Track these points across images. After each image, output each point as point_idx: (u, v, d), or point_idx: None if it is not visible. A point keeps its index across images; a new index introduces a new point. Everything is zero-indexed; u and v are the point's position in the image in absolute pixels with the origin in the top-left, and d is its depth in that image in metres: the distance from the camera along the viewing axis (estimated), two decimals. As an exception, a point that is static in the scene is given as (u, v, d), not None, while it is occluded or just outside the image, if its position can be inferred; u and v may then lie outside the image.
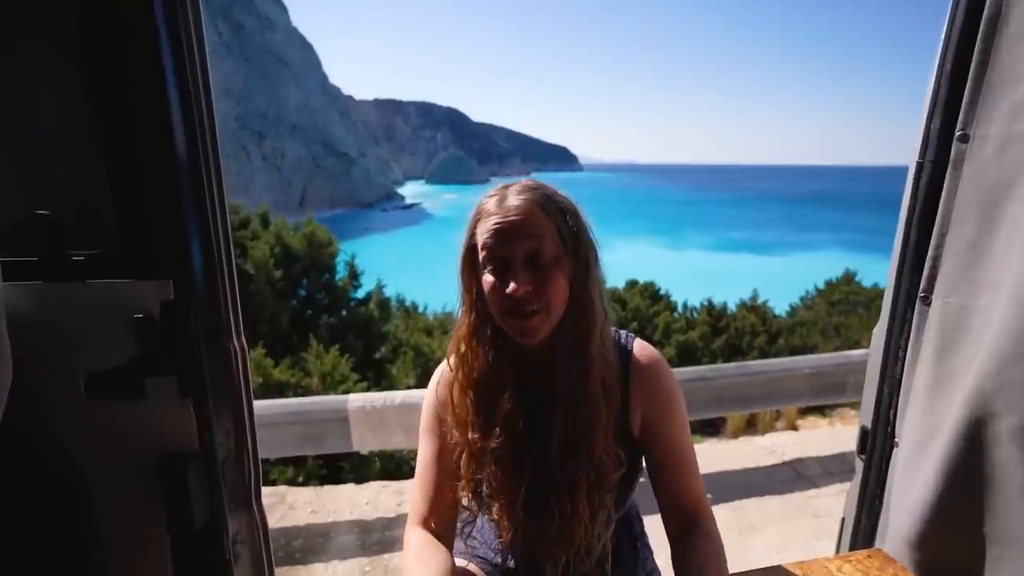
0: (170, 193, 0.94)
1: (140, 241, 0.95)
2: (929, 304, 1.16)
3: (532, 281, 0.92)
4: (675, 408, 1.03)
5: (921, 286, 1.17)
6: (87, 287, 0.96)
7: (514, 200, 0.94)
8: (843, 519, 1.48)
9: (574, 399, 0.96)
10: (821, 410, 7.36)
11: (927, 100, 1.16)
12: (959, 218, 1.10)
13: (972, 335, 1.07)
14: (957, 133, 1.09)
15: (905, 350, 1.22)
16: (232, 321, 1.08)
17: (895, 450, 1.26)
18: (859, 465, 1.39)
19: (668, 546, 1.04)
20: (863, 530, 1.36)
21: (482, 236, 0.95)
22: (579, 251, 0.96)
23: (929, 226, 1.15)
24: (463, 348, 1.01)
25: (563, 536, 0.99)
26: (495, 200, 0.96)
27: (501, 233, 0.93)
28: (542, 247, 0.93)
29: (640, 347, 1.06)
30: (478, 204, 0.99)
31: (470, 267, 0.98)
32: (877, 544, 1.31)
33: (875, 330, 1.36)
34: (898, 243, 1.24)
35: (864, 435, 1.37)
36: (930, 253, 1.15)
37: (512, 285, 0.91)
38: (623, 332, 1.07)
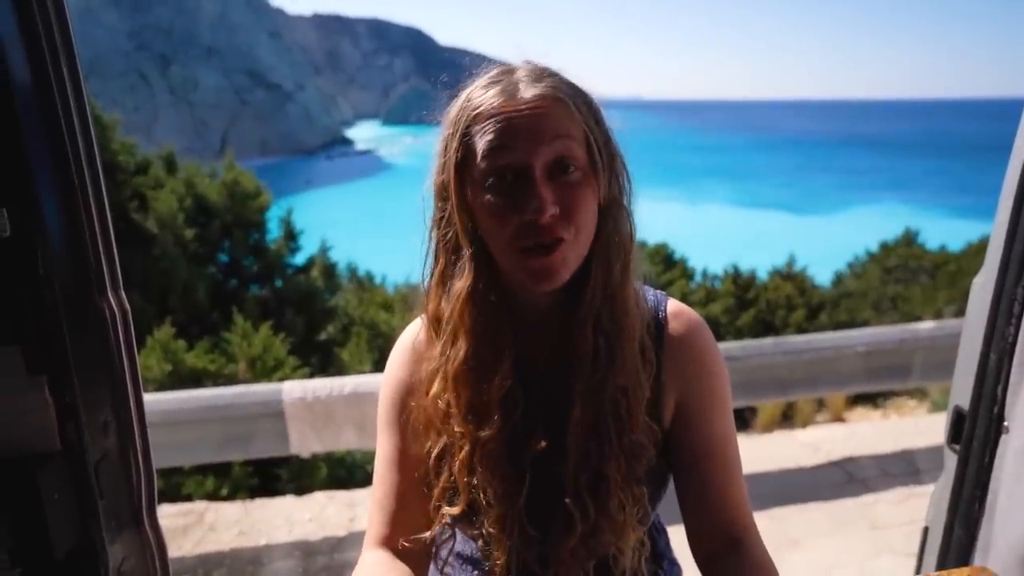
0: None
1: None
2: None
3: (558, 200, 0.85)
4: (720, 391, 1.01)
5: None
6: None
7: (530, 88, 0.87)
8: (925, 528, 1.49)
9: (604, 367, 0.92)
10: (872, 399, 7.49)
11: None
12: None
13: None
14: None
15: (1023, 304, 1.18)
16: (106, 271, 1.00)
17: (1003, 438, 1.23)
18: (951, 458, 1.38)
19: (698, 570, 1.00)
20: (956, 543, 1.36)
21: (482, 141, 0.86)
22: (615, 164, 0.93)
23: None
24: (462, 312, 0.95)
25: (587, 547, 0.95)
26: (498, 91, 0.88)
27: (514, 133, 0.85)
28: (573, 153, 0.87)
29: (676, 308, 1.03)
30: (465, 99, 0.90)
31: (462, 194, 0.90)
32: (978, 562, 1.27)
33: (976, 280, 1.35)
34: (1013, 172, 1.20)
35: (959, 419, 1.35)
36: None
37: (535, 204, 0.83)
38: (649, 288, 1.04)
